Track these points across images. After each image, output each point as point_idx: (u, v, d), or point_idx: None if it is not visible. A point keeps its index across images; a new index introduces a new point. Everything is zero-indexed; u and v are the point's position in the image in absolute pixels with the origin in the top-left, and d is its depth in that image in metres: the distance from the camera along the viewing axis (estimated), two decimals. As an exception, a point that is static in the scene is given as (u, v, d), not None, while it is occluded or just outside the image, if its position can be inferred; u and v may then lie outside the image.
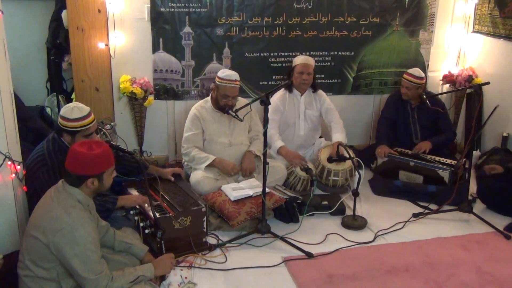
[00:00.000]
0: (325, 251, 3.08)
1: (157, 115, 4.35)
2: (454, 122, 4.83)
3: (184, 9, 4.14)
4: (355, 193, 3.42)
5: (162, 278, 2.65)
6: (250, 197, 3.35)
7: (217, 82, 3.70)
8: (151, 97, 4.15)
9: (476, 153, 4.45)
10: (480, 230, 3.39)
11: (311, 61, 4.06)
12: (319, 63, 4.08)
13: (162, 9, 4.09)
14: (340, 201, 3.62)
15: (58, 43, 4.25)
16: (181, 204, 3.01)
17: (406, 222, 3.47)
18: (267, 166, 3.10)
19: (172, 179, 3.34)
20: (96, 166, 2.26)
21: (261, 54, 4.40)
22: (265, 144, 3.09)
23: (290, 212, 3.42)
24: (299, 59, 4.04)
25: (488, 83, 3.77)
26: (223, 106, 3.68)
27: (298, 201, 3.51)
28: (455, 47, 4.83)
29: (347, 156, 3.71)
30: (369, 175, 4.18)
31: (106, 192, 2.91)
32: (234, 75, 3.67)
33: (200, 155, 3.68)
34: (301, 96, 4.11)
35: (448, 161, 3.94)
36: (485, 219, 3.45)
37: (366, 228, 3.39)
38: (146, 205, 2.94)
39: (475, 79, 4.65)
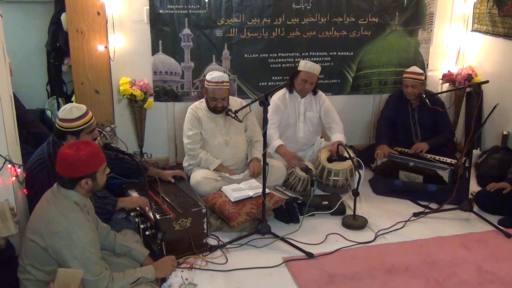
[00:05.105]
0: (326, 251, 3.08)
1: (157, 117, 4.35)
2: (454, 121, 4.83)
3: (183, 11, 4.15)
4: (355, 193, 3.43)
5: (163, 279, 2.66)
6: (250, 197, 3.35)
7: (205, 85, 3.71)
8: (151, 99, 4.16)
9: (476, 152, 4.45)
10: (480, 229, 3.40)
11: (316, 70, 3.97)
12: (318, 64, 4.09)
13: (161, 11, 4.10)
14: (341, 201, 3.63)
15: (58, 46, 4.26)
16: (181, 205, 3.01)
17: (406, 221, 3.48)
18: (266, 166, 3.11)
19: (172, 180, 3.36)
20: (87, 166, 2.25)
21: (260, 55, 4.41)
22: (265, 144, 3.10)
23: (290, 212, 3.42)
24: (307, 66, 3.93)
25: (487, 81, 3.77)
26: (214, 108, 3.71)
27: (298, 201, 3.52)
28: (454, 46, 4.83)
29: (347, 156, 3.72)
30: (369, 175, 4.19)
31: (105, 193, 2.94)
32: (221, 77, 3.67)
33: (208, 159, 3.72)
34: (301, 98, 4.11)
35: (448, 160, 3.95)
36: (486, 217, 3.45)
37: (366, 228, 3.39)
38: (146, 207, 2.95)
39: (474, 78, 4.65)
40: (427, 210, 3.62)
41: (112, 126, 4.03)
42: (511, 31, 4.28)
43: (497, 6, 4.41)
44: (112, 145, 3.15)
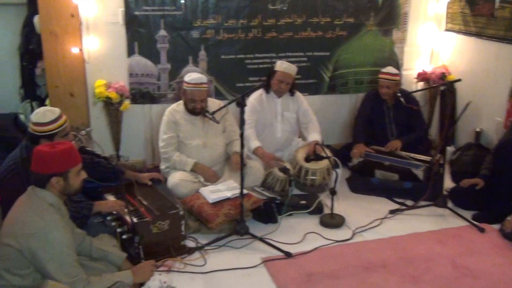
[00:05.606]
0: (304, 250, 3.10)
1: (134, 119, 4.32)
2: (429, 119, 4.90)
3: (159, 12, 4.12)
4: (333, 192, 3.46)
5: (141, 284, 2.64)
6: (228, 199, 3.35)
7: (184, 86, 3.70)
8: (127, 102, 4.12)
9: (450, 149, 4.53)
10: (455, 224, 3.46)
11: (292, 71, 4.00)
12: (295, 64, 4.12)
13: (136, 13, 4.07)
14: (318, 200, 3.65)
15: (31, 49, 4.20)
16: (159, 208, 2.99)
17: (383, 219, 3.52)
18: (244, 167, 3.12)
19: (150, 183, 3.34)
20: (59, 164, 2.25)
21: (237, 56, 4.41)
22: (242, 145, 3.11)
23: (268, 212, 3.43)
24: (283, 66, 3.96)
25: (459, 80, 3.85)
26: (192, 109, 3.70)
27: (276, 201, 3.52)
28: (428, 45, 4.91)
29: (324, 155, 3.74)
30: (347, 174, 4.22)
31: (80, 197, 2.91)
32: (200, 78, 3.66)
33: (181, 160, 3.69)
34: (278, 98, 4.12)
35: (423, 157, 4.00)
36: (460, 213, 3.52)
37: (344, 226, 3.42)
38: (123, 210, 2.93)
39: (447, 76, 4.72)
40: (403, 207, 3.68)
41: (87, 129, 3.98)
42: (483, 30, 4.37)
43: (469, 6, 4.49)
44: (87, 148, 3.12)
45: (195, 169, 3.69)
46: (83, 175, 2.41)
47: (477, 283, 2.80)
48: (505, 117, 4.15)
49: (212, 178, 3.71)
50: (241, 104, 3.00)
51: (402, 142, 4.14)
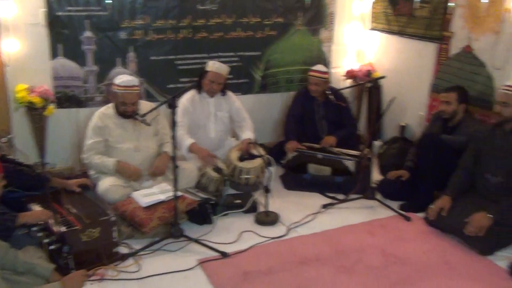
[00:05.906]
0: (240, 249, 3.11)
1: (60, 124, 4.13)
2: (357, 115, 5.08)
3: (83, 13, 3.98)
4: (267, 190, 3.50)
5: (72, 295, 2.54)
6: (162, 202, 3.30)
7: (114, 89, 3.60)
8: (51, 106, 3.93)
9: (377, 143, 4.73)
10: (383, 215, 3.62)
11: (224, 71, 4.00)
12: (226, 64, 4.13)
13: (59, 13, 3.91)
14: (252, 198, 3.68)
15: None
16: (88, 215, 2.89)
17: (316, 213, 3.61)
18: (177, 169, 3.09)
19: (78, 190, 3.22)
20: None
21: (167, 57, 4.35)
22: (174, 147, 3.07)
23: (203, 213, 3.41)
24: (214, 66, 3.95)
25: (384, 77, 4.02)
26: (123, 112, 3.61)
27: (211, 202, 3.51)
28: (354, 44, 5.09)
29: (258, 154, 3.78)
30: (280, 171, 4.28)
31: (3, 209, 2.76)
32: (131, 81, 3.58)
33: (103, 162, 3.56)
34: (210, 98, 4.11)
35: (353, 152, 4.14)
36: (388, 204, 3.69)
37: (278, 223, 3.47)
38: (50, 220, 2.80)
39: (373, 73, 4.92)
40: (334, 201, 3.79)
41: (9, 136, 3.77)
42: (404, 29, 4.60)
43: (391, 6, 4.71)
44: (9, 156, 2.95)
45: (117, 169, 3.55)
46: (3, 182, 2.29)
47: (405, 269, 2.95)
48: (427, 112, 4.40)
49: (134, 174, 3.58)
50: (172, 106, 2.96)
51: (336, 138, 4.26)
